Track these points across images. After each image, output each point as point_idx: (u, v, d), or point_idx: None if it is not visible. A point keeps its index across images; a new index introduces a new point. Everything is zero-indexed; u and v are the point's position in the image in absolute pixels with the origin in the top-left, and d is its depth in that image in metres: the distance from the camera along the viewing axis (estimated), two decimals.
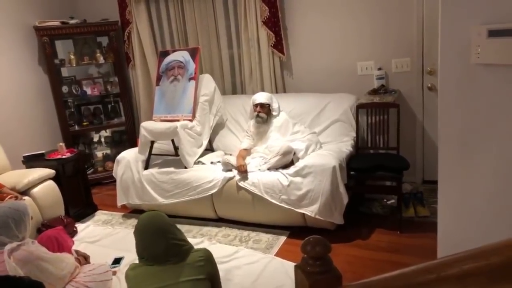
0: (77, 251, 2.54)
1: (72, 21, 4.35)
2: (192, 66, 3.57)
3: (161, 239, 1.77)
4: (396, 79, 3.56)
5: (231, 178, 3.17)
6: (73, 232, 3.30)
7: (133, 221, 3.58)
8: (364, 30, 3.60)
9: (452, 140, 1.55)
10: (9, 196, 2.86)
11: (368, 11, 3.55)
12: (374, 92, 3.49)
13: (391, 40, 3.53)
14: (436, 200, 3.14)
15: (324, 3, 3.68)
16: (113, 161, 4.74)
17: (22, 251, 2.02)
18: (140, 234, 1.82)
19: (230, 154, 3.54)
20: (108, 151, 4.93)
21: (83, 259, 2.48)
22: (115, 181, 4.18)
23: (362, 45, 3.65)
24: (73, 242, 2.65)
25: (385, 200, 3.39)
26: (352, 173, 3.02)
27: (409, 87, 3.52)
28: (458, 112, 1.52)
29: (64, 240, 2.49)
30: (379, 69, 3.57)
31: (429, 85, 3.45)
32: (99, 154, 4.93)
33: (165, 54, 3.78)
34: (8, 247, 2.01)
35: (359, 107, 3.33)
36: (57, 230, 2.57)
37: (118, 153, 4.75)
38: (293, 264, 1.26)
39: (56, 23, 4.27)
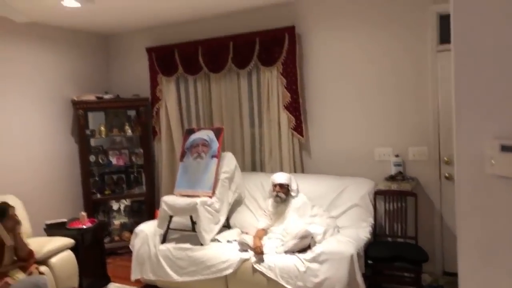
0: None
1: (106, 96, 4.68)
2: (215, 144, 3.74)
3: None
4: (413, 166, 3.62)
5: (246, 259, 3.16)
6: None
7: None
8: (382, 117, 3.75)
9: (472, 248, 1.57)
10: (34, 267, 2.93)
11: (385, 100, 3.72)
12: (392, 178, 3.54)
13: (408, 128, 3.65)
14: None
15: (344, 92, 3.89)
16: (130, 231, 4.80)
17: None
18: None
19: (247, 233, 3.55)
20: (126, 220, 4.99)
21: None
22: (130, 251, 4.19)
23: (379, 131, 3.78)
24: None
25: None
26: (369, 261, 2.97)
27: (427, 176, 3.57)
28: (476, 221, 1.56)
29: None
30: (396, 156, 3.65)
31: (447, 174, 3.49)
32: (116, 222, 4.98)
33: (191, 131, 3.98)
34: None
35: (377, 193, 3.37)
36: None
37: (136, 222, 4.82)
38: None
39: (92, 97, 4.59)
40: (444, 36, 3.43)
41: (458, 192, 1.61)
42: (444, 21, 3.43)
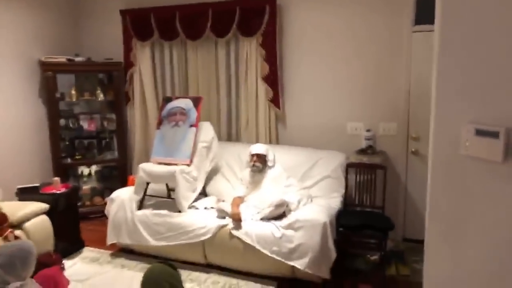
0: None
1: (78, 59, 4.51)
2: (194, 114, 3.75)
3: None
4: (383, 141, 3.83)
5: (224, 226, 3.28)
6: (61, 270, 3.29)
7: (122, 261, 3.61)
8: (355, 93, 3.90)
9: (440, 221, 1.75)
10: (9, 231, 2.91)
11: (360, 76, 3.86)
12: (362, 151, 3.74)
13: (379, 104, 3.83)
14: (416, 259, 3.34)
15: (321, 66, 3.99)
16: (101, 196, 4.80)
17: None
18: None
19: (223, 200, 3.66)
20: (96, 186, 4.95)
21: None
22: (101, 216, 4.20)
23: (353, 106, 3.94)
24: (68, 283, 2.68)
25: (368, 256, 3.55)
26: (340, 229, 3.19)
27: (395, 150, 3.80)
28: (447, 197, 1.73)
29: (61, 280, 2.52)
30: (368, 130, 3.83)
31: (413, 149, 3.74)
32: (85, 187, 4.92)
33: (168, 100, 3.96)
34: (11, 286, 2.06)
35: (349, 166, 3.56)
36: (54, 270, 2.61)
37: (107, 188, 4.81)
38: None
39: (62, 59, 4.41)
40: (419, 18, 3.57)
41: (432, 170, 1.78)
42: (420, 2, 3.55)
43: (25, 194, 3.66)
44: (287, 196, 3.34)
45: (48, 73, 4.37)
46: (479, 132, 1.61)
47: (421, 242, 1.92)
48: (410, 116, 3.72)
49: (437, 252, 1.80)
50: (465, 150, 1.67)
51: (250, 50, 4.09)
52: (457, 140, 1.68)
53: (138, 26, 4.51)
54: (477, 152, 1.64)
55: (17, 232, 3.09)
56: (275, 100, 4.10)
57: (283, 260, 3.04)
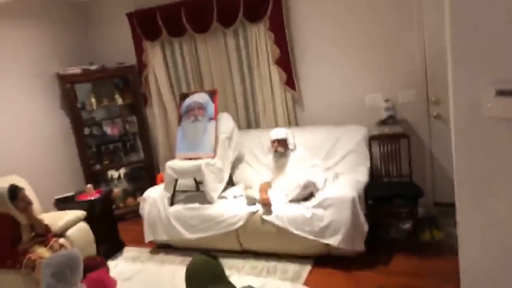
0: None
1: (92, 67, 4.61)
2: (211, 107, 3.81)
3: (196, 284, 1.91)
4: (403, 109, 3.78)
5: (255, 212, 3.36)
6: (107, 271, 3.44)
7: (161, 256, 3.75)
8: (370, 64, 3.85)
9: (468, 184, 1.75)
10: (54, 240, 3.07)
11: (371, 47, 3.80)
12: (383, 123, 3.71)
13: (396, 73, 3.77)
14: (449, 222, 3.33)
15: (333, 42, 3.94)
16: (133, 197, 4.96)
17: None
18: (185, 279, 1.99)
19: (250, 188, 3.73)
20: (127, 187, 5.10)
21: None
22: (136, 216, 4.34)
23: (368, 78, 3.89)
24: (116, 283, 2.82)
25: (400, 224, 3.57)
26: (369, 202, 3.21)
27: (416, 117, 3.75)
28: (472, 159, 1.74)
29: (109, 282, 2.65)
30: (386, 100, 3.79)
31: (435, 113, 3.68)
32: (116, 190, 5.06)
33: (185, 96, 4.02)
34: None
35: (372, 138, 3.55)
36: (101, 273, 2.74)
37: (137, 188, 4.95)
38: None
39: (77, 70, 4.52)
40: None
41: (455, 134, 1.77)
42: None
43: (62, 203, 3.82)
44: (313, 176, 3.38)
45: (67, 85, 4.49)
46: (500, 93, 1.60)
47: (452, 205, 1.93)
48: (428, 80, 3.66)
49: (468, 214, 1.81)
50: (487, 112, 1.65)
51: (259, 35, 4.08)
52: (478, 102, 1.67)
53: (145, 27, 4.55)
54: (499, 112, 1.63)
55: (61, 240, 3.26)
56: (290, 83, 4.09)
57: (316, 239, 3.10)
